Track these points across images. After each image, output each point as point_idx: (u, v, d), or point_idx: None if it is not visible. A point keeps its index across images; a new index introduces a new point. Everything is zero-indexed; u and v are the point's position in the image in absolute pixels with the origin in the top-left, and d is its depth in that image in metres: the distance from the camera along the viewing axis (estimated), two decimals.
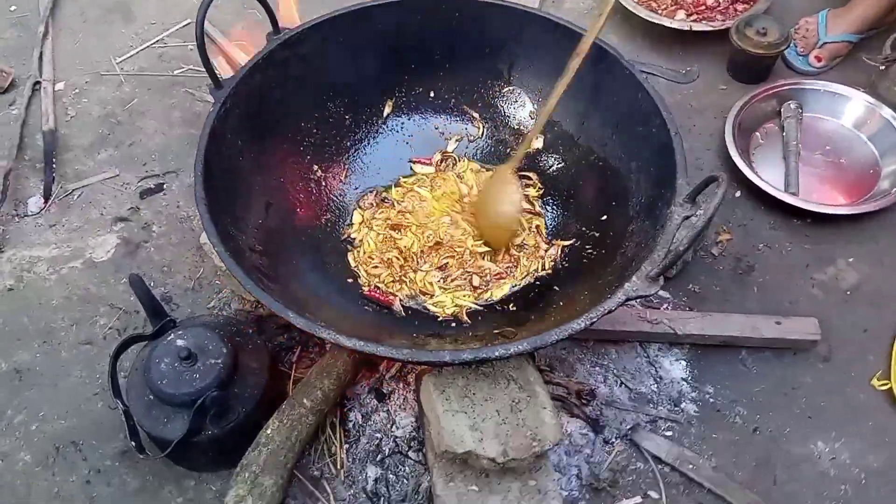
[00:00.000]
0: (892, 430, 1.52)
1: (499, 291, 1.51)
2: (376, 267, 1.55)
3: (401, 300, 1.50)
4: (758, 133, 2.04)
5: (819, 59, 2.12)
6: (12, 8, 2.46)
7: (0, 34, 2.38)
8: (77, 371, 1.62)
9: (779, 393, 1.57)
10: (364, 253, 1.57)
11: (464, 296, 1.50)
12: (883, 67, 2.02)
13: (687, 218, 1.19)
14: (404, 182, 1.70)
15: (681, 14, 2.24)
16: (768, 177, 1.89)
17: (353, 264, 1.56)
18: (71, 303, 1.73)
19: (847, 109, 2.02)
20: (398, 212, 1.63)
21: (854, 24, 2.10)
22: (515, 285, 1.52)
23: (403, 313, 1.48)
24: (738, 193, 1.91)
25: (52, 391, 1.59)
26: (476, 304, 1.49)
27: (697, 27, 2.17)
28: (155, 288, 1.73)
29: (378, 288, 1.52)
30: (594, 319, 1.08)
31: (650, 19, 2.20)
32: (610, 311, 1.10)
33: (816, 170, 1.94)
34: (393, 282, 1.53)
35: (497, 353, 1.05)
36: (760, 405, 1.55)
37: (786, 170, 1.92)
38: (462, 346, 1.33)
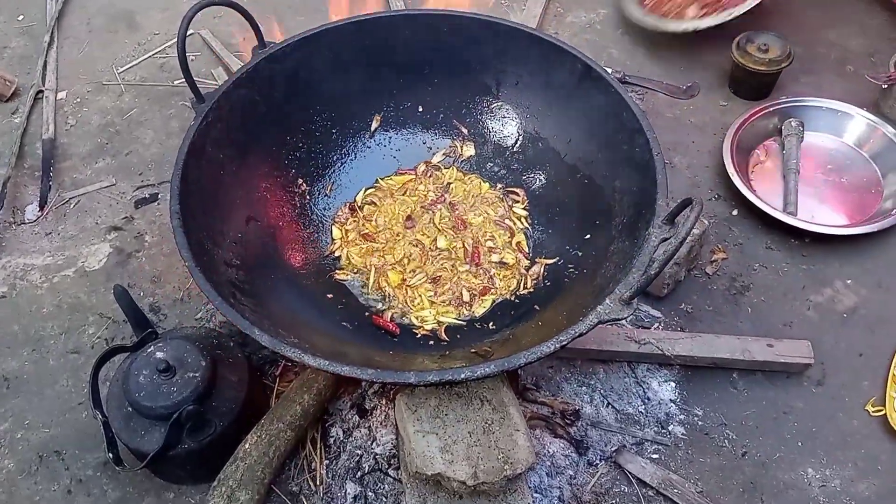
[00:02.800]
0: (884, 458, 1.48)
1: (480, 307, 1.50)
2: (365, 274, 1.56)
3: (391, 316, 1.49)
4: (758, 151, 2.00)
5: None
6: (20, 17, 2.50)
7: (7, 43, 2.42)
8: (63, 380, 1.63)
9: (769, 417, 1.54)
10: (355, 269, 1.57)
11: (446, 311, 1.49)
12: (885, 86, 1.97)
13: (665, 240, 1.16)
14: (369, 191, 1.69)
15: (693, 9, 2.18)
16: (767, 195, 1.86)
17: (343, 278, 1.56)
18: (61, 311, 1.74)
19: (849, 127, 1.98)
20: (363, 218, 1.63)
21: None
22: (496, 300, 1.51)
23: (397, 330, 1.47)
24: (734, 212, 1.88)
25: (38, 399, 1.60)
26: (457, 319, 1.48)
27: (706, 22, 2.10)
28: (144, 298, 1.74)
29: (380, 313, 1.51)
30: (564, 342, 1.06)
31: (659, 26, 2.18)
32: (581, 335, 1.08)
33: (816, 189, 1.90)
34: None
35: (463, 376, 1.03)
36: (750, 429, 1.52)
37: (784, 188, 1.88)
38: (442, 365, 1.31)
